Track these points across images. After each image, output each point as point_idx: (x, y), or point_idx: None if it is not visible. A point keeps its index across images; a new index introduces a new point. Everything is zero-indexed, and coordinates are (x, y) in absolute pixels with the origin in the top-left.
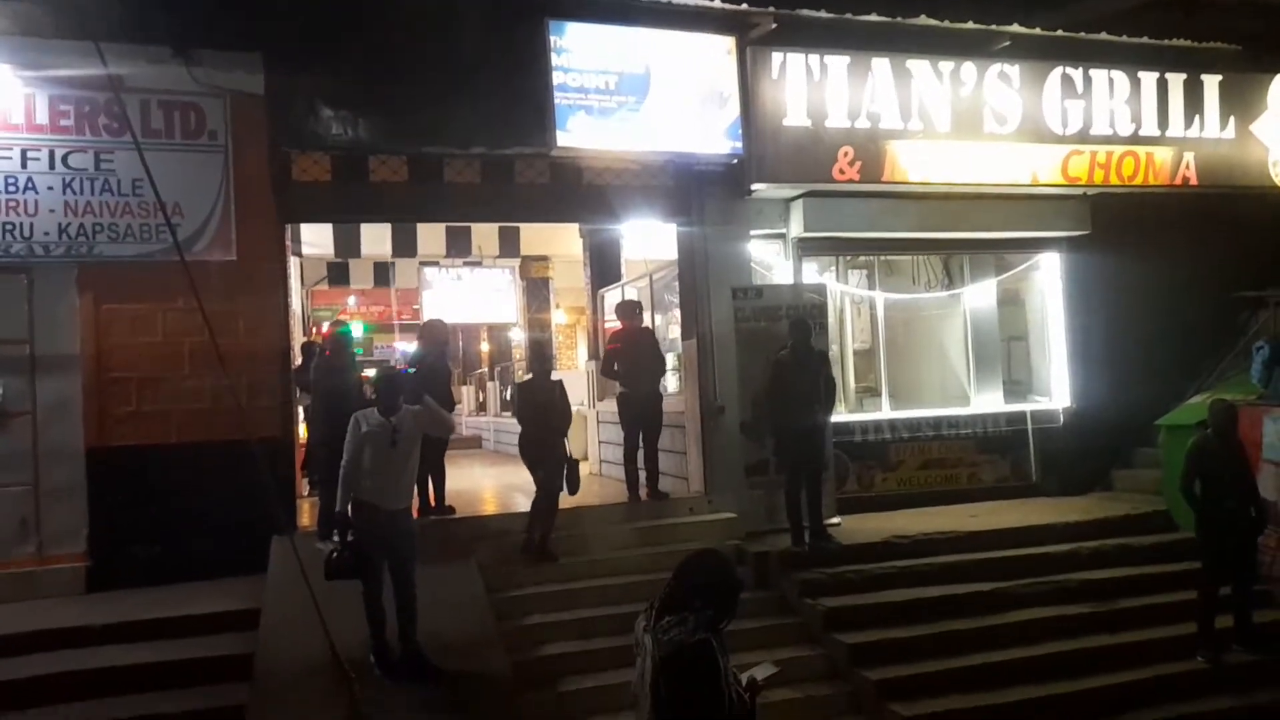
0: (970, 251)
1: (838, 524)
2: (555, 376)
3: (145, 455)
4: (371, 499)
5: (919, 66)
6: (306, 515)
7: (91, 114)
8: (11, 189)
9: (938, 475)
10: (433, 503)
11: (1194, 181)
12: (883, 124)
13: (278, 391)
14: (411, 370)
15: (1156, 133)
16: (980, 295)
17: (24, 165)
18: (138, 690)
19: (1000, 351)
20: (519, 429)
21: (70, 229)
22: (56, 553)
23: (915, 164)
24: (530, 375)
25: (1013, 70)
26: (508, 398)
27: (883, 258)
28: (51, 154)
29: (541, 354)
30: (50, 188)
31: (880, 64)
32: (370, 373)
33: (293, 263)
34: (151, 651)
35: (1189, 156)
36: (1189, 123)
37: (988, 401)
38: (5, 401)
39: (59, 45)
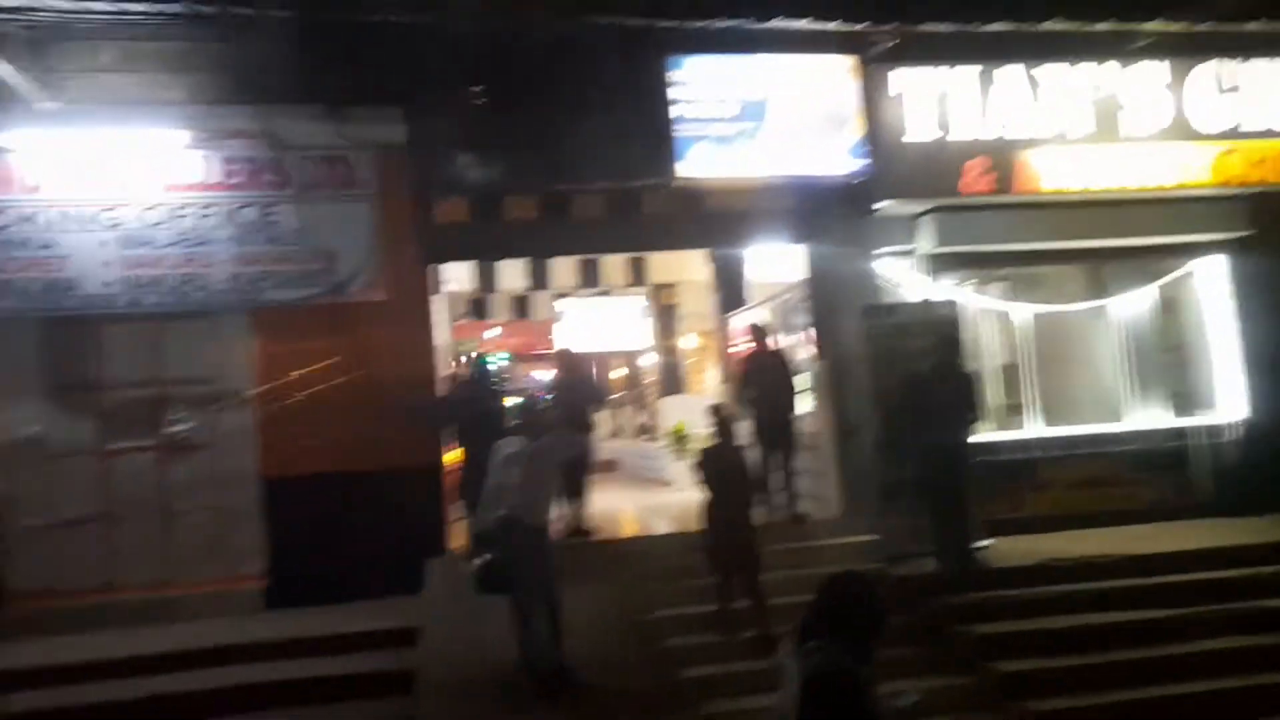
0: (1116, 260)
1: (988, 546)
2: (737, 443)
3: (312, 482)
4: (512, 513)
5: (1050, 71)
6: (459, 538)
7: (256, 171)
8: (191, 244)
9: (1091, 495)
10: (574, 524)
11: None
12: (1013, 134)
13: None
14: (548, 397)
15: None
16: (1132, 304)
17: (201, 221)
18: (315, 702)
19: (1157, 363)
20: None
21: (241, 278)
22: (240, 572)
23: (1049, 172)
24: (716, 441)
25: (1152, 68)
26: (643, 426)
27: (1024, 270)
28: (223, 210)
29: (724, 422)
30: (223, 241)
31: (1007, 72)
32: (513, 400)
33: (438, 299)
34: (325, 665)
35: None
36: None
37: (1145, 416)
38: (191, 434)
39: (225, 110)
